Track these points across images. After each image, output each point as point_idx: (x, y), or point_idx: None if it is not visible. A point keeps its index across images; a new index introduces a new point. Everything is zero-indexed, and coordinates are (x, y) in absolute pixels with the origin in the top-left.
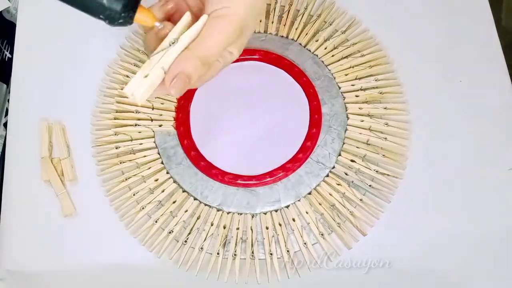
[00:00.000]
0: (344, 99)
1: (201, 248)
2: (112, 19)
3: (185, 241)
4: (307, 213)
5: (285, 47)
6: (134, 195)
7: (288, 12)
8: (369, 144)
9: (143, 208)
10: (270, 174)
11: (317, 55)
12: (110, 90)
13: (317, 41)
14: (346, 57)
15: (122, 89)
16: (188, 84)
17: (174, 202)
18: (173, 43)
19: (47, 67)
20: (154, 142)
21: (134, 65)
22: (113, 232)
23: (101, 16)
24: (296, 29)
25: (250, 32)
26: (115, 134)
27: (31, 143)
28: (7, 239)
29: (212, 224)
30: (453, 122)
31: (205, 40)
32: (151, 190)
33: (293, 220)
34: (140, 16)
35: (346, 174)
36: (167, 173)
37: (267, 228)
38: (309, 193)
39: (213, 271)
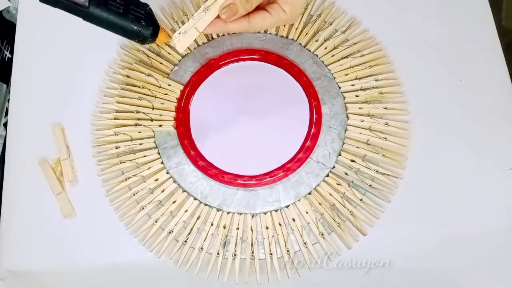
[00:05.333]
0: (344, 99)
1: (201, 248)
2: (143, 41)
3: (185, 241)
4: (307, 213)
5: (285, 47)
6: (134, 195)
7: None
8: (369, 144)
9: (143, 208)
10: (270, 174)
11: (317, 55)
12: (110, 90)
13: (317, 41)
14: (346, 57)
15: (122, 89)
16: (235, 13)
17: (174, 202)
18: (206, 10)
19: (47, 67)
20: (154, 142)
21: (135, 63)
22: (113, 232)
23: (135, 39)
24: (296, 29)
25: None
26: (115, 134)
27: (31, 143)
28: (7, 239)
29: (212, 224)
30: (453, 122)
31: None
32: (151, 190)
33: (293, 220)
34: (161, 37)
35: (346, 174)
36: (167, 173)
37: (267, 228)
38: (309, 193)
39: (213, 271)
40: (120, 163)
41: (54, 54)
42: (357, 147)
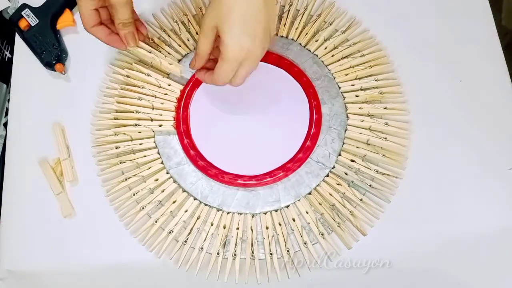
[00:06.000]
0: (344, 99)
1: (201, 248)
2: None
3: (185, 241)
4: (307, 213)
5: (285, 47)
6: (134, 195)
7: (288, 12)
8: (369, 144)
9: (143, 208)
10: (270, 174)
11: (317, 55)
12: (110, 90)
13: (317, 41)
14: (346, 57)
15: (121, 89)
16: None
17: (174, 202)
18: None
19: None
20: (154, 142)
21: (135, 63)
22: (113, 232)
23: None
24: (296, 29)
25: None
26: (115, 134)
27: (31, 143)
28: (7, 239)
29: (212, 224)
30: (453, 122)
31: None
32: (151, 190)
33: (293, 220)
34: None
35: (346, 174)
36: (167, 173)
37: (267, 228)
38: (309, 193)
39: (213, 271)
40: (120, 163)
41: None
42: (357, 147)
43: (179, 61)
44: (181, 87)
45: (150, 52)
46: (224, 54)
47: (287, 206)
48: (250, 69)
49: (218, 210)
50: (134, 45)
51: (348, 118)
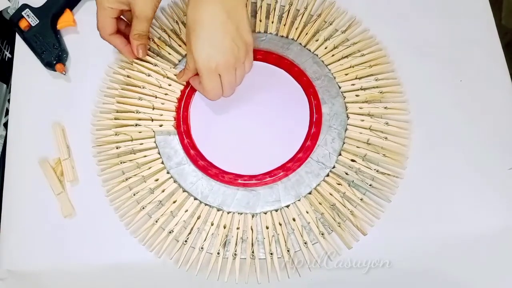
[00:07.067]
0: (344, 99)
1: (201, 248)
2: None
3: (185, 241)
4: (307, 212)
5: (285, 47)
6: (134, 195)
7: (288, 12)
8: (369, 144)
9: (143, 208)
10: (270, 174)
11: (317, 55)
12: (110, 90)
13: (317, 40)
14: (346, 56)
15: (122, 89)
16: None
17: (174, 202)
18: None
19: None
20: (155, 142)
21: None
22: (113, 232)
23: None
24: (296, 29)
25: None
26: (116, 134)
27: (32, 143)
28: (7, 239)
29: (212, 224)
30: (453, 121)
31: None
32: (151, 190)
33: (293, 219)
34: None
35: (346, 173)
36: (168, 173)
37: (267, 227)
38: (309, 193)
39: (213, 271)
40: (121, 163)
41: None
42: (358, 147)
43: (179, 61)
44: (182, 87)
45: (155, 65)
46: (196, 67)
47: (287, 206)
48: (229, 78)
49: (218, 210)
50: (143, 57)
51: (348, 117)
